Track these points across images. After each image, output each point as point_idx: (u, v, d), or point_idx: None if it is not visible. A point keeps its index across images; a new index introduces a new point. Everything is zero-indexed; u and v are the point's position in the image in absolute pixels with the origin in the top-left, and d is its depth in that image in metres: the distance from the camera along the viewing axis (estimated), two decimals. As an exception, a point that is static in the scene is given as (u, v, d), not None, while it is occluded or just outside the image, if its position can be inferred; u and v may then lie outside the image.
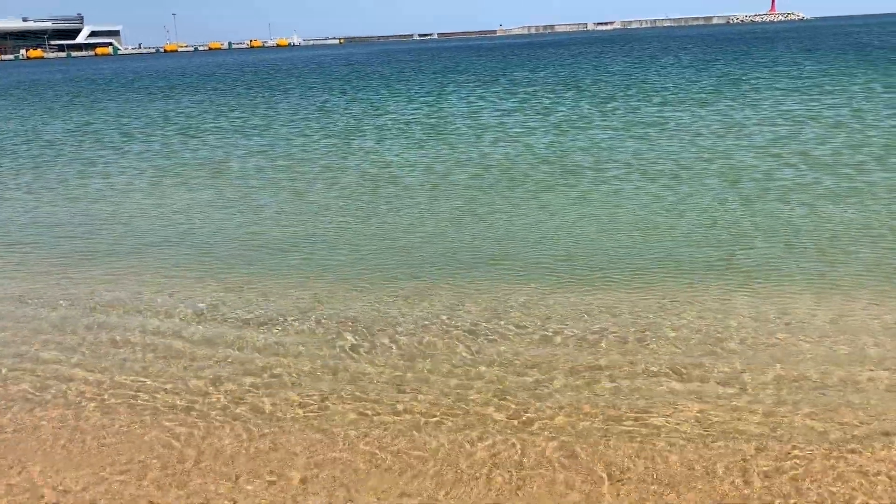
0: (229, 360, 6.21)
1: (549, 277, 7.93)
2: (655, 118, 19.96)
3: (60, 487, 4.49)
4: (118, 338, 6.78)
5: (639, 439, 4.73)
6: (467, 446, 4.76)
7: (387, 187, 12.96)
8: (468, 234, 9.74)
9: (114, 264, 9.25)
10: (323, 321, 6.94)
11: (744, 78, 31.11)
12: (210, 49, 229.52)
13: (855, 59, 38.50)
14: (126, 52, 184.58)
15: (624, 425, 4.91)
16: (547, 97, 27.61)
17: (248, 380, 5.81)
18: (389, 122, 22.48)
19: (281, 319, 7.04)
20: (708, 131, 17.23)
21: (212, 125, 24.25)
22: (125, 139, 21.81)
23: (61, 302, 7.85)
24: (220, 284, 8.20)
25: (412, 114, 24.55)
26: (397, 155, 16.24)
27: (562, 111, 22.88)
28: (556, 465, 4.51)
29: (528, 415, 5.09)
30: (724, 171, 12.66)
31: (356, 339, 6.49)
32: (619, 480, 4.31)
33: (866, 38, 66.52)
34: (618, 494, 4.18)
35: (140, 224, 11.35)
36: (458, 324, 6.73)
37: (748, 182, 11.79)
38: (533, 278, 7.92)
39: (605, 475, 4.37)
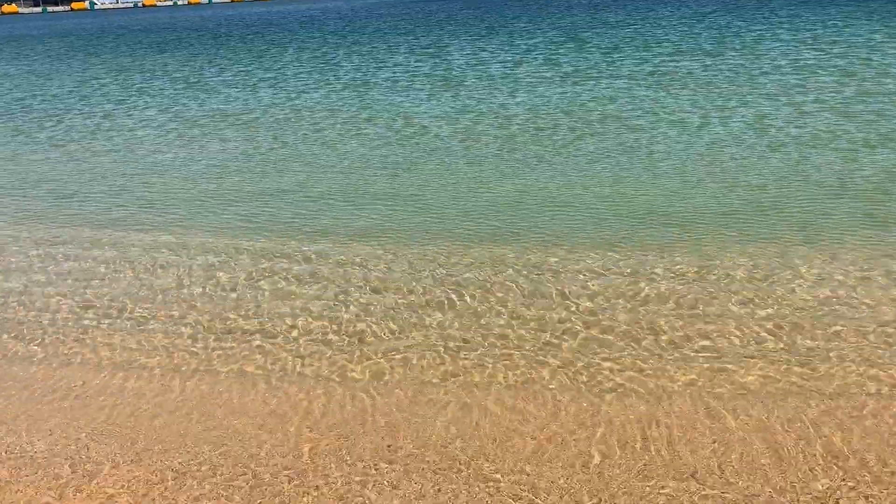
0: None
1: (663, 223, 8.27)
2: (666, 68, 20.13)
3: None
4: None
5: None
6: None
7: (431, 140, 13.13)
8: (535, 183, 10.03)
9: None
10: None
11: (747, 29, 31.19)
12: (190, 3, 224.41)
13: (854, 9, 38.56)
14: (103, 6, 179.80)
15: None
16: (549, 48, 27.60)
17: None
18: (398, 75, 22.47)
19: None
20: (721, 80, 17.48)
21: (218, 80, 24.12)
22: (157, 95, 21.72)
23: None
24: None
25: (417, 67, 24.52)
26: (419, 107, 16.36)
27: (569, 62, 22.97)
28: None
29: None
30: (750, 121, 12.96)
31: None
32: None
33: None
34: None
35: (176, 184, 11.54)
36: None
37: (776, 131, 12.12)
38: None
39: None
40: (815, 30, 28.58)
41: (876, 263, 6.78)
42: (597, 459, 4.31)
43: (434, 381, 5.27)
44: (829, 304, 6.08)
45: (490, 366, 5.41)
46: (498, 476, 4.21)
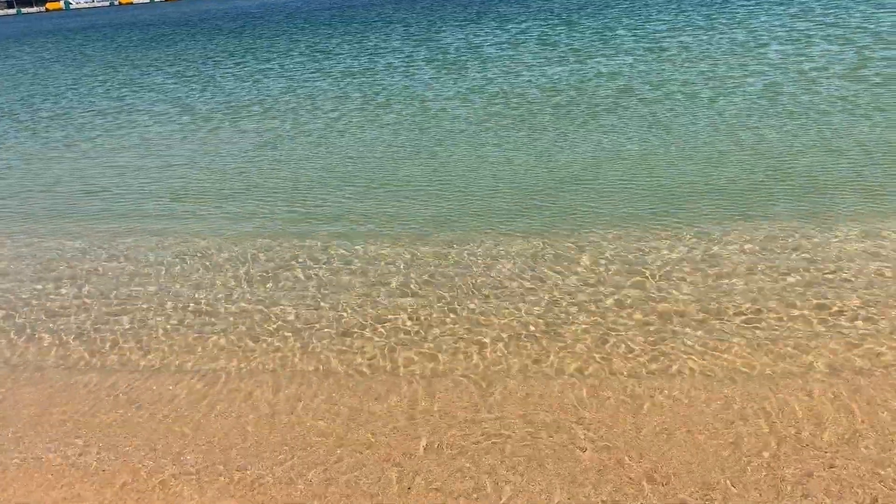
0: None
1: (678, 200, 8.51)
2: (665, 44, 20.36)
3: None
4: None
5: None
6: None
7: (452, 123, 13.34)
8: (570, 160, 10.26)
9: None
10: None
11: (737, 4, 31.47)
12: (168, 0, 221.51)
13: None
14: (79, 6, 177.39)
15: None
16: (543, 30, 27.75)
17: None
18: (398, 61, 22.57)
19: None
20: (721, 52, 17.74)
21: (219, 73, 24.09)
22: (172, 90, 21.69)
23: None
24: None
25: (414, 52, 24.61)
26: (430, 91, 16.52)
27: (565, 42, 23.15)
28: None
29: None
30: (762, 91, 13.22)
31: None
32: None
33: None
34: None
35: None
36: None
37: (785, 98, 12.42)
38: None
39: None
40: (804, 2, 28.93)
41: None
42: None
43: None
44: None
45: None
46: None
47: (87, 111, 18.29)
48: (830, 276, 6.13)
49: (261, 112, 15.80)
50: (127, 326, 6.46)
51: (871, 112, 10.98)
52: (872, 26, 19.55)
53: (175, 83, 22.13)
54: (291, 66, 23.85)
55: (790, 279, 6.15)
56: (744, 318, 5.64)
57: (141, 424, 5.05)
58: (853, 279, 6.05)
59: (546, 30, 27.61)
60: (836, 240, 6.78)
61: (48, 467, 4.67)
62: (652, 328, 5.63)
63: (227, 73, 23.64)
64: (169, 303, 6.84)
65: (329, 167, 10.99)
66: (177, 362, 5.83)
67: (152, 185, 10.86)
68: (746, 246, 6.82)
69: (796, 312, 5.64)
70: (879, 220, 7.13)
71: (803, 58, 15.84)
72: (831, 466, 4.09)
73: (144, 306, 6.82)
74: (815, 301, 5.79)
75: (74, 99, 20.74)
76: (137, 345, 6.14)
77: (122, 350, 6.10)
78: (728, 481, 4.05)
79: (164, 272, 7.53)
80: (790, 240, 6.86)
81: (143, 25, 60.41)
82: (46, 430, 5.06)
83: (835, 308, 5.66)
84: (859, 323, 5.40)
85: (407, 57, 23.28)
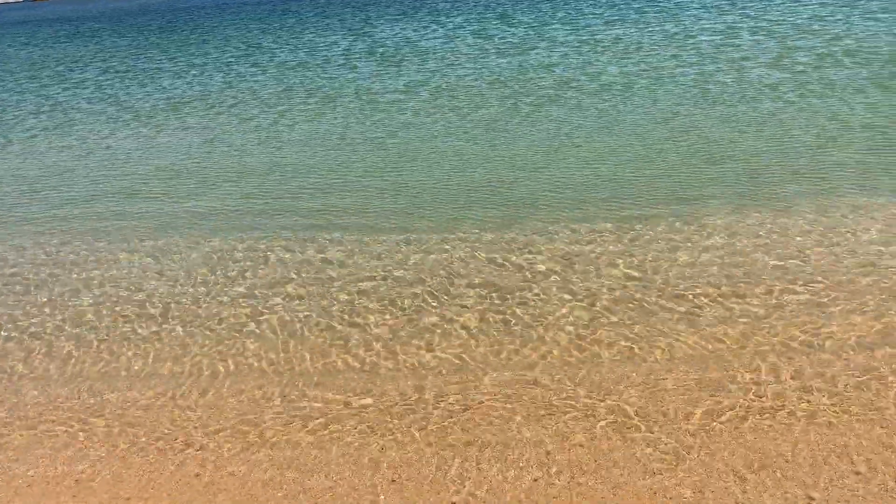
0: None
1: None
2: (601, 37, 20.99)
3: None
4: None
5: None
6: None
7: (401, 116, 13.52)
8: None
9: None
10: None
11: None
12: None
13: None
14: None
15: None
16: (478, 24, 28.14)
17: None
18: (337, 55, 22.57)
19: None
20: (654, 44, 18.44)
21: (152, 67, 23.59)
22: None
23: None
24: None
25: (352, 46, 24.62)
26: (374, 84, 16.65)
27: (501, 36, 23.56)
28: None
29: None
30: (699, 81, 13.86)
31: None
32: None
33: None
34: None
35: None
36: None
37: (720, 86, 13.09)
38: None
39: None
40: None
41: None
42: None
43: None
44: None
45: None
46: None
47: (18, 110, 17.73)
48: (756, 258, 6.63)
49: (204, 108, 15.65)
50: (75, 331, 6.46)
51: (795, 98, 11.71)
52: (792, 18, 20.62)
53: (109, 80, 21.60)
54: (229, 60, 23.56)
55: (720, 262, 6.62)
56: (682, 300, 6.06)
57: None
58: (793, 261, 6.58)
59: (481, 24, 28.00)
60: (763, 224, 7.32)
61: None
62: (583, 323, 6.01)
63: (163, 68, 23.19)
64: (116, 306, 6.87)
65: (279, 162, 11.05)
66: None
67: (99, 185, 10.71)
68: (678, 232, 7.28)
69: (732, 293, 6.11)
70: (803, 199, 7.70)
71: (731, 48, 16.64)
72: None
73: (92, 310, 6.84)
74: (743, 283, 6.27)
75: (3, 97, 20.03)
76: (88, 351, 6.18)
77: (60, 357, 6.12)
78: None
79: (110, 272, 7.53)
80: (719, 222, 7.36)
81: (63, 21, 58.26)
82: None
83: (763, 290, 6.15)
84: (772, 301, 5.87)
85: (345, 51, 23.30)
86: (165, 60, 25.23)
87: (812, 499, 3.90)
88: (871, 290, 5.85)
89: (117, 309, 6.66)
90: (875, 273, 6.10)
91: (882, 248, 6.50)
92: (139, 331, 6.28)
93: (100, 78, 22.20)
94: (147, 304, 6.73)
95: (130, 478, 4.49)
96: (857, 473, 4.04)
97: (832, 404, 4.61)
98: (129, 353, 5.95)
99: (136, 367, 5.75)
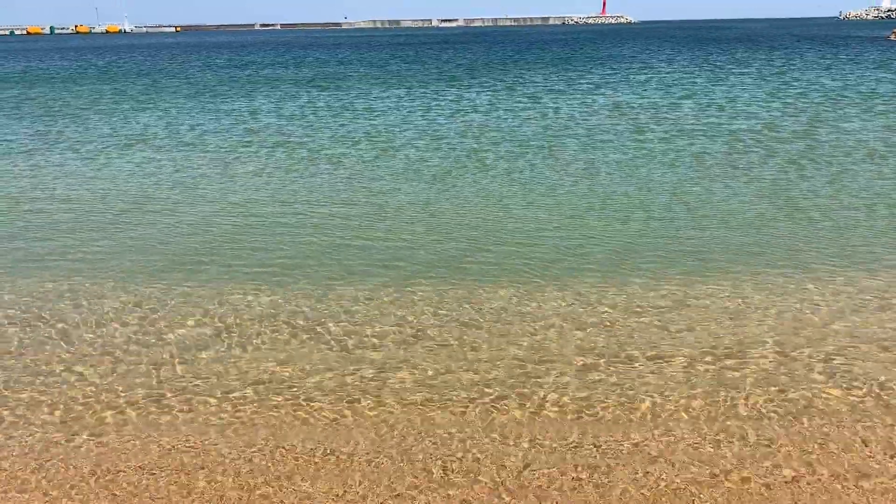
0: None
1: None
2: (551, 106, 21.98)
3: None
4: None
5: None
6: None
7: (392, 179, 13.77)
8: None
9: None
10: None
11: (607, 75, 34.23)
12: (29, 34, 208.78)
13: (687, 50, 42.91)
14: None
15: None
16: (444, 92, 29.04)
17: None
18: (300, 110, 22.95)
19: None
20: (598, 116, 19.44)
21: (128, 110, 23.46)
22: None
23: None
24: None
25: (318, 106, 25.03)
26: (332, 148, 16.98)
27: (458, 103, 24.37)
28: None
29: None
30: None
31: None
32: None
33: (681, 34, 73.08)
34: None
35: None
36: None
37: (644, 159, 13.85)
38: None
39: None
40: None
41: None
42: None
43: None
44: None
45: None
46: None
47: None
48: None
49: (203, 147, 15.83)
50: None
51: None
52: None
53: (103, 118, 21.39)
54: (186, 108, 23.66)
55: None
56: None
57: None
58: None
59: (442, 92, 28.84)
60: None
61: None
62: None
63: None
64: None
65: (236, 211, 11.01)
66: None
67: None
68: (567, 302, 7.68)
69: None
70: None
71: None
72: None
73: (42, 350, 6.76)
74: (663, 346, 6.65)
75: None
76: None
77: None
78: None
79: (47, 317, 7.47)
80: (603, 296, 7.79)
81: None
82: None
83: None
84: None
85: (308, 103, 23.70)
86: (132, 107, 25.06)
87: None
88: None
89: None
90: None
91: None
92: None
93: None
94: None
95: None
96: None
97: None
98: None
99: None
